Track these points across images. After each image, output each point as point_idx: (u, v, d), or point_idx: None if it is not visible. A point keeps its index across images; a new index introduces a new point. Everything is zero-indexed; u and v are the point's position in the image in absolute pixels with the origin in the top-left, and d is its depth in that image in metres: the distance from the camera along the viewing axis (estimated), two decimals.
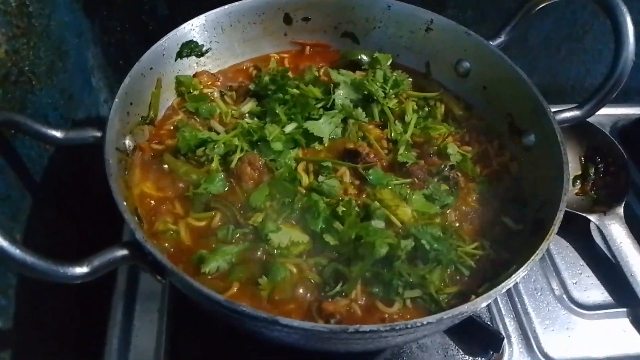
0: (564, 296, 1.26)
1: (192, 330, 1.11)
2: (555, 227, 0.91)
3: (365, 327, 0.75)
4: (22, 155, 1.05)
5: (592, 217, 1.33)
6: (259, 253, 0.97)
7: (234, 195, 1.05)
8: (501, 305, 1.21)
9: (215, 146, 1.08)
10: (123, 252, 0.85)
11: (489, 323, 1.15)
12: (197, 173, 1.06)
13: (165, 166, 1.08)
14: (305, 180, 1.07)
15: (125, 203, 0.88)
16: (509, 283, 0.83)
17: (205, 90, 1.23)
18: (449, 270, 0.98)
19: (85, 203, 1.27)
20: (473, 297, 0.86)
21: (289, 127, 1.14)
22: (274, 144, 1.09)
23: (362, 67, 1.31)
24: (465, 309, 0.80)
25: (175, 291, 1.14)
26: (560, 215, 0.92)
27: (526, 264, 0.85)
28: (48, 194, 1.13)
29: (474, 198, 1.10)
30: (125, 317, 1.13)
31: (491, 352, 1.12)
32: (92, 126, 0.99)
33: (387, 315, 0.91)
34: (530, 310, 1.22)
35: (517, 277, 0.84)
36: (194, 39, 1.21)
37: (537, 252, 0.87)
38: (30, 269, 0.77)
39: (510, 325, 1.19)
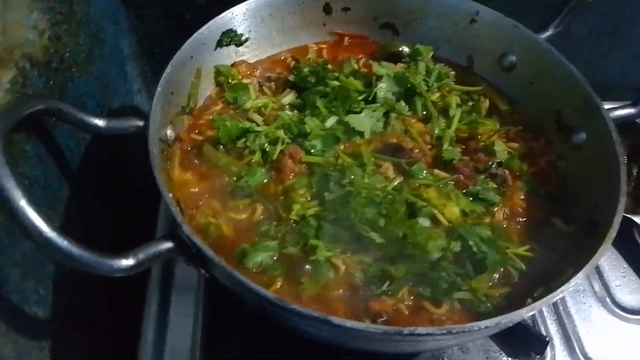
0: (607, 299, 1.23)
1: (229, 324, 1.08)
2: (614, 231, 0.88)
3: (422, 330, 0.73)
4: (60, 144, 1.03)
5: (636, 219, 1.29)
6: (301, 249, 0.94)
7: (275, 188, 1.03)
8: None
9: (257, 137, 1.06)
10: (168, 244, 0.83)
11: (531, 325, 1.12)
12: (237, 165, 1.04)
13: (205, 158, 1.06)
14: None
15: (170, 195, 0.86)
16: (567, 287, 0.80)
17: (244, 81, 1.21)
18: (498, 270, 0.95)
19: (122, 193, 1.26)
20: (529, 300, 0.83)
21: (330, 122, 1.11)
22: (314, 142, 1.07)
23: (403, 60, 1.28)
24: (523, 314, 0.78)
25: (212, 284, 1.12)
26: (618, 218, 0.89)
27: (585, 267, 0.82)
28: (85, 184, 1.12)
29: (522, 197, 1.07)
30: (161, 310, 1.11)
31: (534, 355, 1.09)
32: (127, 115, 0.97)
33: (435, 316, 0.89)
34: (572, 312, 1.19)
35: (575, 280, 0.81)
36: (234, 28, 1.19)
37: (596, 255, 0.84)
38: (76, 260, 0.75)
39: (552, 327, 1.16)
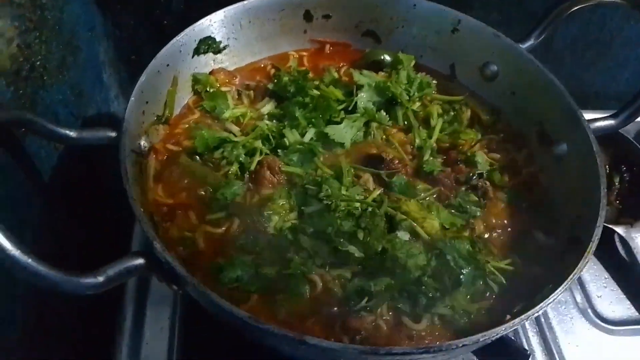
0: (589, 310, 1.22)
1: (205, 338, 1.06)
2: (593, 245, 0.87)
3: (398, 349, 0.72)
4: (31, 154, 1.00)
5: (618, 229, 1.29)
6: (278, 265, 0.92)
7: (252, 201, 1.00)
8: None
9: (234, 148, 1.04)
10: (139, 261, 0.80)
11: (512, 338, 1.11)
12: (214, 177, 1.02)
13: (181, 169, 1.03)
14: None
15: (142, 210, 0.84)
16: (546, 304, 0.79)
17: (223, 89, 1.18)
18: (476, 285, 0.93)
19: (96, 204, 1.23)
20: (508, 316, 0.82)
21: (308, 135, 1.09)
22: (292, 155, 1.05)
23: (384, 69, 1.26)
24: (502, 330, 0.76)
25: (187, 298, 1.09)
26: (598, 232, 0.88)
27: (564, 284, 0.81)
28: (57, 195, 1.09)
29: (503, 208, 1.06)
30: (136, 325, 1.08)
31: None
32: (102, 123, 0.95)
33: (414, 332, 0.87)
34: (554, 324, 1.18)
35: (555, 297, 0.80)
36: (212, 35, 1.16)
37: (575, 271, 0.83)
38: (42, 279, 0.73)
39: (534, 340, 1.15)
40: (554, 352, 1.13)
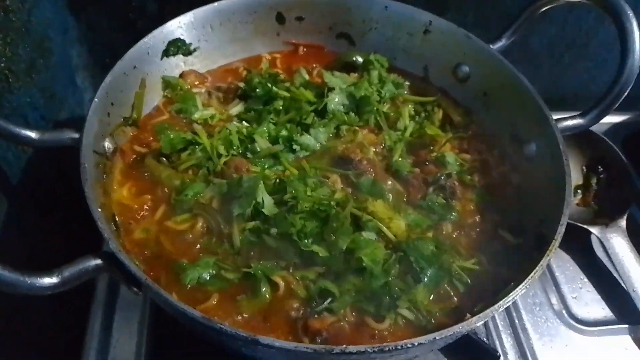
0: (564, 311, 1.21)
1: (173, 343, 1.05)
2: (556, 243, 0.86)
3: (352, 348, 0.71)
4: None
5: (594, 230, 1.28)
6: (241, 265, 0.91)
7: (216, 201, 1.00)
8: (498, 321, 1.16)
9: (201, 150, 1.03)
10: (97, 262, 0.80)
11: (485, 340, 1.10)
12: (179, 178, 1.01)
13: (147, 170, 1.03)
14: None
15: (100, 210, 0.83)
16: (506, 302, 0.79)
17: (193, 90, 1.18)
18: (441, 285, 0.93)
19: (67, 206, 1.22)
20: (468, 315, 0.81)
21: (279, 145, 1.08)
22: (261, 161, 1.05)
23: (357, 70, 1.26)
24: (459, 329, 0.75)
25: (156, 302, 1.08)
26: (561, 230, 0.87)
27: (524, 282, 0.81)
28: (26, 198, 1.08)
29: (471, 208, 1.05)
30: (104, 328, 1.07)
31: None
32: (74, 127, 0.94)
33: (377, 332, 0.86)
34: (528, 325, 1.17)
35: (515, 295, 0.79)
36: (182, 37, 1.16)
37: (536, 268, 0.82)
38: None
39: (508, 341, 1.14)
40: (527, 353, 1.12)
